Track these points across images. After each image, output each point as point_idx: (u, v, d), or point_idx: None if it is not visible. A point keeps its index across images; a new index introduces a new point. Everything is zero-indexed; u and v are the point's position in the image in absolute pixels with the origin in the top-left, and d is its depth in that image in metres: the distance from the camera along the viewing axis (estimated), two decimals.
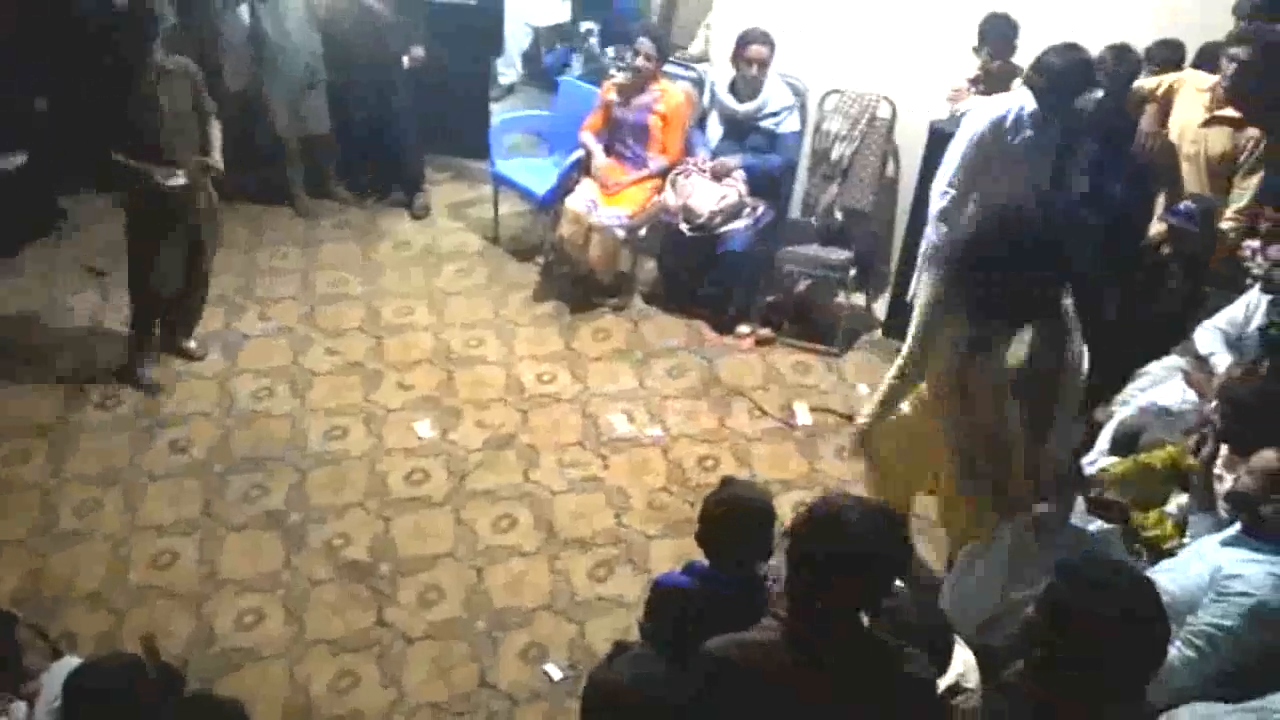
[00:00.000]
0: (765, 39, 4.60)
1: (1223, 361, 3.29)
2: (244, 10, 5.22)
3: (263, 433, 4.14)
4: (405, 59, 5.34)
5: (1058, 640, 1.82)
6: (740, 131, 4.79)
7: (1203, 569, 2.45)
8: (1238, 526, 2.49)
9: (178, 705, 2.38)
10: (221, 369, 4.47)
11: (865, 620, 1.94)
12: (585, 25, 6.79)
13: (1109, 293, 4.10)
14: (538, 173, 5.34)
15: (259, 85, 5.31)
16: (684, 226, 4.69)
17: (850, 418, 4.38)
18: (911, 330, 3.13)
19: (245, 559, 3.60)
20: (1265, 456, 2.43)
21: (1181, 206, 3.64)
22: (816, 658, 1.87)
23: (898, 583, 2.19)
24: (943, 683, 2.30)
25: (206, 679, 3.14)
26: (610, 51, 6.26)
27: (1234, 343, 3.36)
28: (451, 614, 3.45)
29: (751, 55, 4.60)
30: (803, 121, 4.88)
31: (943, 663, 2.34)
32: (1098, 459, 3.31)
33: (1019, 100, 3.72)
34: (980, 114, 3.79)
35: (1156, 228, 3.97)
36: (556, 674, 3.27)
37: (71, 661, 2.60)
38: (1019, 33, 4.24)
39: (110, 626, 3.32)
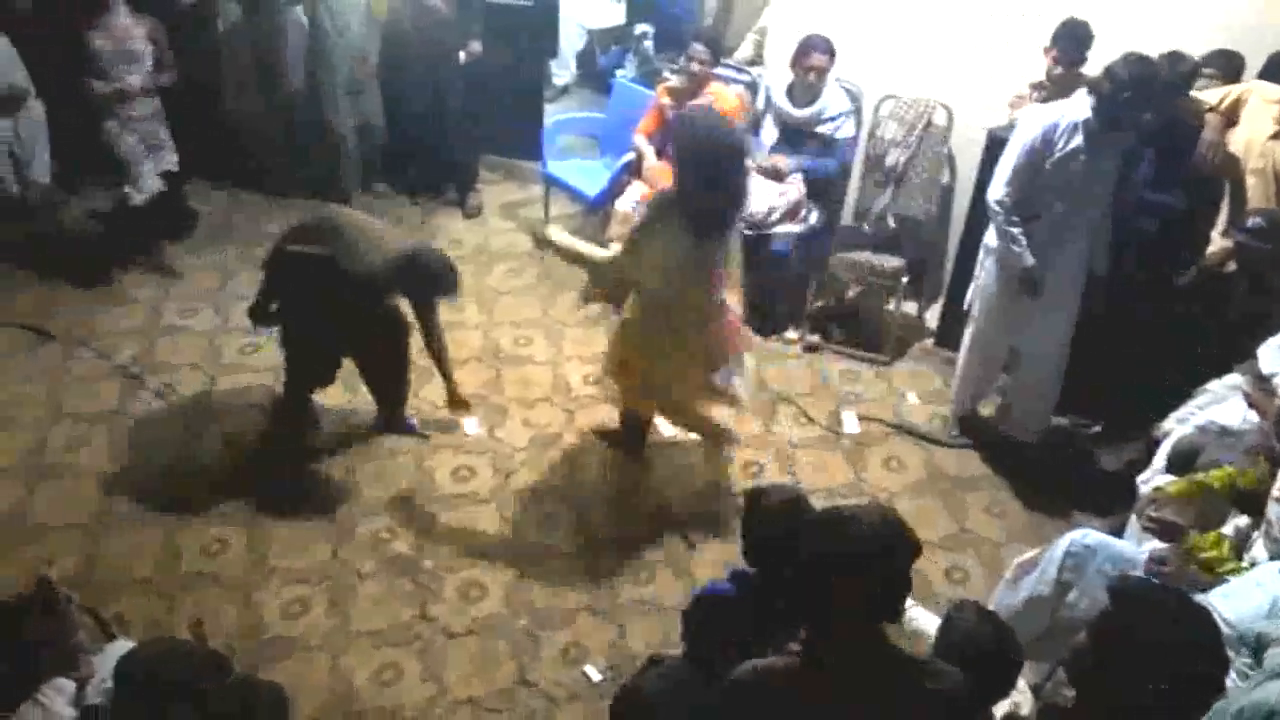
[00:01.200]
0: (827, 48, 4.56)
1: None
2: (301, 7, 5.30)
3: (311, 425, 4.19)
4: (462, 54, 5.39)
5: (1110, 668, 1.77)
6: (796, 137, 4.76)
7: (1263, 598, 2.38)
8: None
9: (224, 690, 2.42)
10: (273, 362, 4.53)
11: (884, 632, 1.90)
12: (640, 28, 6.79)
13: (1142, 306, 4.02)
14: (589, 174, 5.36)
15: (315, 81, 5.39)
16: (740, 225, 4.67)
17: (899, 427, 4.36)
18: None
19: (293, 550, 3.65)
20: None
21: (1250, 223, 3.54)
22: (836, 678, 1.84)
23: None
24: (998, 711, 2.26)
25: (252, 666, 3.19)
26: (663, 55, 6.26)
27: None
28: (493, 610, 3.47)
29: (813, 63, 4.57)
30: (858, 127, 4.84)
31: (1006, 683, 2.29)
32: (1153, 477, 3.23)
33: (1074, 108, 3.65)
34: (1032, 121, 3.72)
35: (1219, 242, 3.88)
36: (595, 675, 3.27)
37: (123, 644, 2.65)
38: (1092, 42, 4.15)
39: (161, 611, 3.39)
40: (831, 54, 4.57)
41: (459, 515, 3.82)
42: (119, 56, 4.69)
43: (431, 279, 3.57)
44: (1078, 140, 3.61)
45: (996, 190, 3.77)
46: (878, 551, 1.79)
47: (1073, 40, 4.15)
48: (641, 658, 3.15)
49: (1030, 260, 3.75)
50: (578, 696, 3.22)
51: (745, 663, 1.93)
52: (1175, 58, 3.82)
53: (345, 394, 4.27)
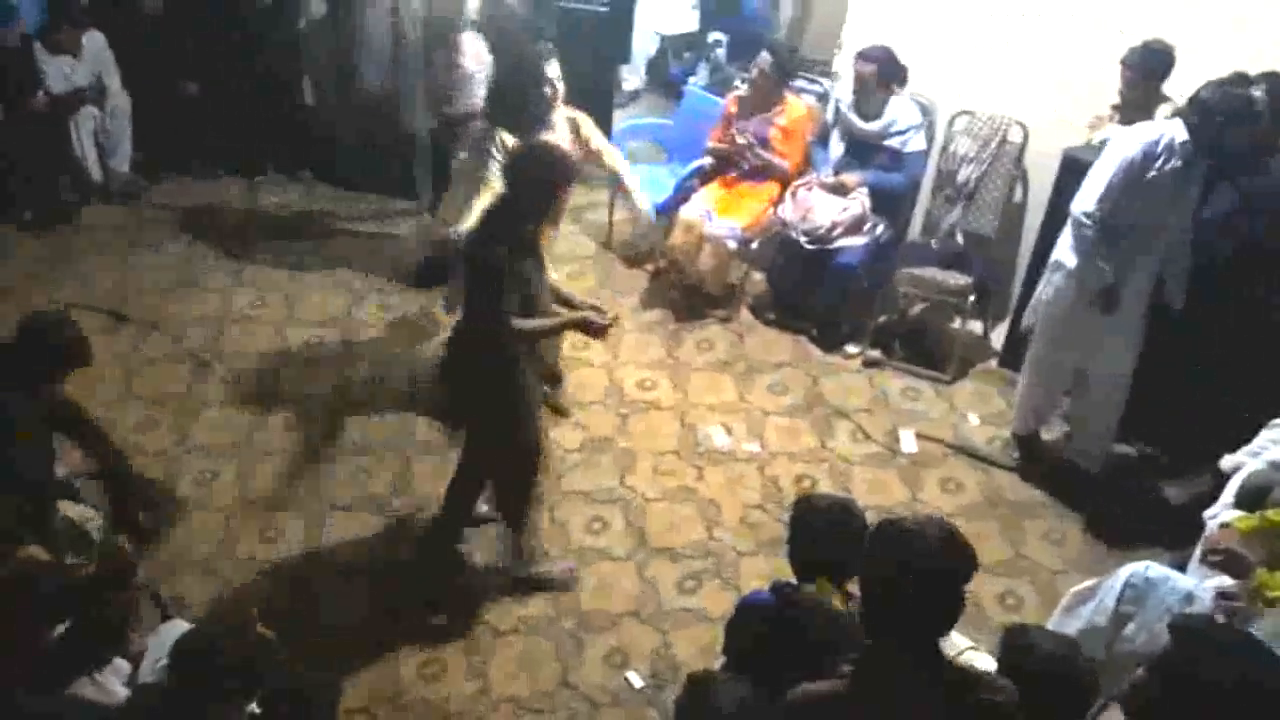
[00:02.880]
0: (875, 57, 4.51)
1: None
2: (385, 8, 5.39)
3: (372, 418, 4.26)
4: None
5: (1171, 707, 1.72)
6: (864, 150, 4.72)
7: None
8: None
9: (278, 674, 2.47)
10: (339, 354, 4.63)
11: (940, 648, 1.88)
12: (713, 35, 6.78)
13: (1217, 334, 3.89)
14: (655, 181, 5.36)
15: (393, 84, 5.48)
16: (802, 238, 4.64)
17: (958, 448, 4.29)
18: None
19: (347, 541, 3.71)
20: None
21: None
22: (888, 699, 1.82)
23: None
24: None
25: (302, 654, 3.25)
26: (736, 64, 6.24)
27: None
28: (539, 611, 3.49)
29: (858, 71, 4.55)
30: (929, 141, 4.77)
31: (1081, 708, 2.23)
32: (1221, 511, 3.12)
33: (1172, 129, 3.54)
34: (1132, 138, 3.61)
35: None
36: (638, 682, 3.27)
37: (179, 624, 2.72)
38: (1168, 64, 4.04)
39: (218, 594, 3.47)
40: (877, 63, 4.51)
41: None
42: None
43: None
44: (1175, 162, 3.50)
45: (1087, 203, 3.64)
46: (941, 567, 1.78)
47: (1148, 59, 4.05)
48: (686, 667, 3.16)
49: (1112, 278, 3.66)
50: (619, 702, 3.22)
51: (797, 688, 1.92)
52: (1275, 78, 3.70)
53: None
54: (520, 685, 3.25)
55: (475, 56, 4.70)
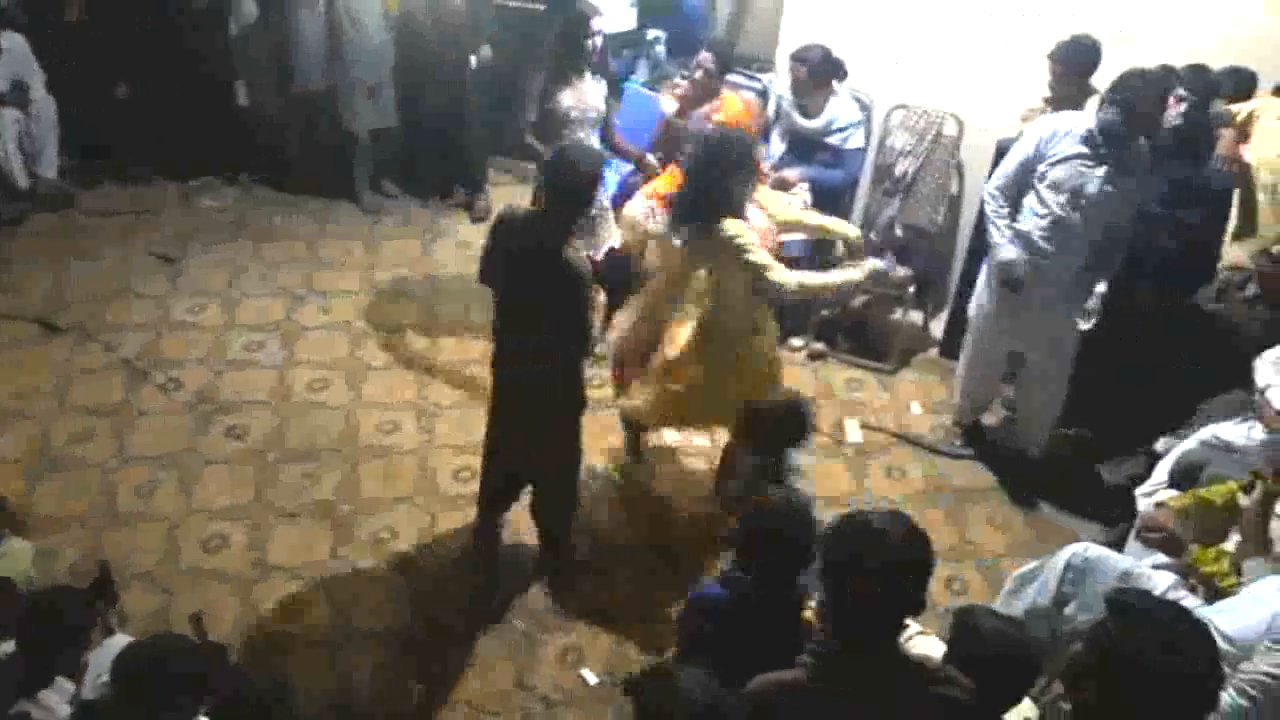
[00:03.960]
0: (802, 58, 4.55)
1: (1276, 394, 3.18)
2: (319, 6, 5.32)
3: (317, 424, 4.21)
4: (473, 58, 5.42)
5: (1105, 679, 1.76)
6: (805, 147, 4.76)
7: (1261, 613, 2.37)
8: None
9: (225, 681, 2.43)
10: (281, 359, 4.56)
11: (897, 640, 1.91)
12: (652, 33, 6.79)
13: (1152, 322, 4.01)
14: None
15: (331, 82, 5.42)
16: None
17: (902, 436, 4.36)
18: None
19: (293, 547, 3.66)
20: None
21: (1274, 250, 3.55)
22: (850, 688, 1.84)
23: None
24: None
25: (252, 661, 3.20)
26: (675, 60, 6.25)
27: None
28: (494, 615, 3.46)
29: (790, 73, 4.60)
30: (868, 137, 4.83)
31: (1025, 685, 2.28)
32: (1155, 491, 3.22)
33: (1079, 118, 3.65)
34: (1036, 126, 3.76)
35: (1232, 254, 3.87)
36: (592, 679, 3.27)
37: (121, 639, 2.66)
38: (1094, 58, 4.14)
39: (161, 606, 3.40)
40: (808, 64, 4.54)
41: (461, 516, 3.82)
42: None
43: None
44: (1076, 148, 3.61)
45: (994, 181, 3.85)
46: (905, 563, 1.80)
47: (1074, 54, 4.15)
48: (639, 663, 3.17)
49: (1010, 254, 3.75)
50: (575, 701, 3.22)
51: (758, 678, 1.93)
52: (1198, 70, 3.82)
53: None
54: (474, 688, 3.23)
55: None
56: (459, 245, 5.49)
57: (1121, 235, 3.74)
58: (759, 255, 3.24)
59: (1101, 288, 3.79)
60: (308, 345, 4.66)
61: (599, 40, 4.15)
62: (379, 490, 3.91)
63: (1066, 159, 3.61)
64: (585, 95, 4.20)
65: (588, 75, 4.21)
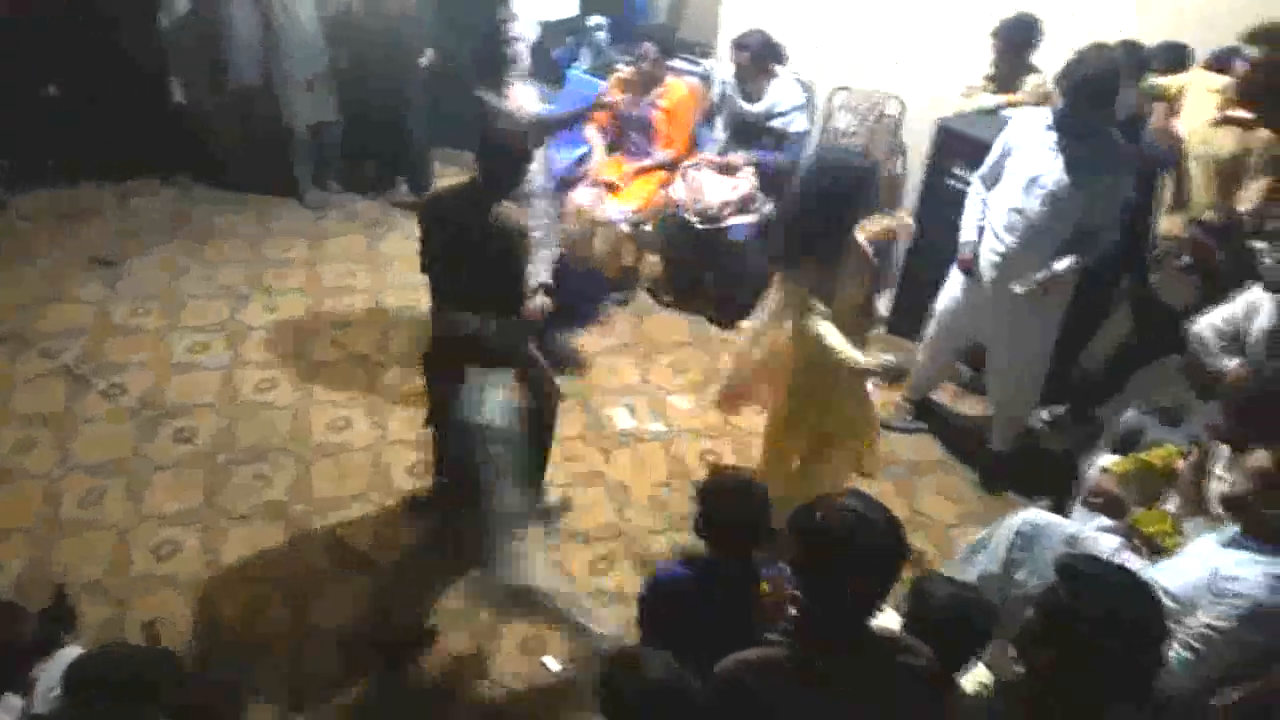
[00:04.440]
0: (744, 44, 4.57)
1: (1216, 358, 3.27)
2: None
3: (266, 424, 4.15)
4: (422, 59, 5.35)
5: (1055, 641, 1.81)
6: (749, 132, 4.79)
7: (1201, 570, 2.44)
8: (1237, 528, 2.48)
9: (178, 686, 2.39)
10: (227, 360, 4.49)
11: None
12: (593, 20, 6.77)
13: (1117, 291, 4.10)
14: None
15: (267, 76, 5.33)
16: (694, 219, 4.70)
17: None
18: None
19: (247, 550, 3.61)
20: (1258, 457, 2.42)
21: (1204, 219, 3.62)
22: (823, 665, 1.87)
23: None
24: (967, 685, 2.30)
25: (208, 665, 3.16)
26: (617, 47, 6.25)
27: (1230, 340, 3.34)
28: (453, 605, 3.46)
29: (733, 59, 4.63)
30: (811, 120, 4.87)
31: (979, 646, 2.32)
32: (1098, 457, 3.30)
33: (1047, 111, 3.68)
34: (1016, 117, 3.80)
35: (1165, 224, 3.96)
36: (555, 666, 3.28)
37: (72, 651, 2.61)
38: (1034, 35, 4.20)
39: (113, 616, 3.34)
40: (754, 50, 4.55)
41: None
42: None
43: None
44: (1038, 138, 3.58)
45: (980, 170, 3.84)
46: (887, 548, 1.81)
47: (1015, 32, 4.21)
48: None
49: (968, 236, 3.78)
50: (537, 686, 3.22)
51: (728, 657, 1.95)
52: (1131, 46, 3.89)
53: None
54: (438, 680, 3.22)
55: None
56: (406, 238, 5.42)
57: (1100, 234, 3.56)
58: (848, 354, 3.05)
59: (1060, 265, 3.57)
60: (254, 345, 4.60)
61: (521, 48, 3.98)
62: (332, 489, 3.87)
63: (1028, 150, 3.62)
64: (519, 103, 4.03)
65: (516, 83, 4.03)
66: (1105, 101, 3.47)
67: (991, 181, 3.77)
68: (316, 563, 3.57)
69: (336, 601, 3.44)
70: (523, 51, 3.97)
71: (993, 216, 3.74)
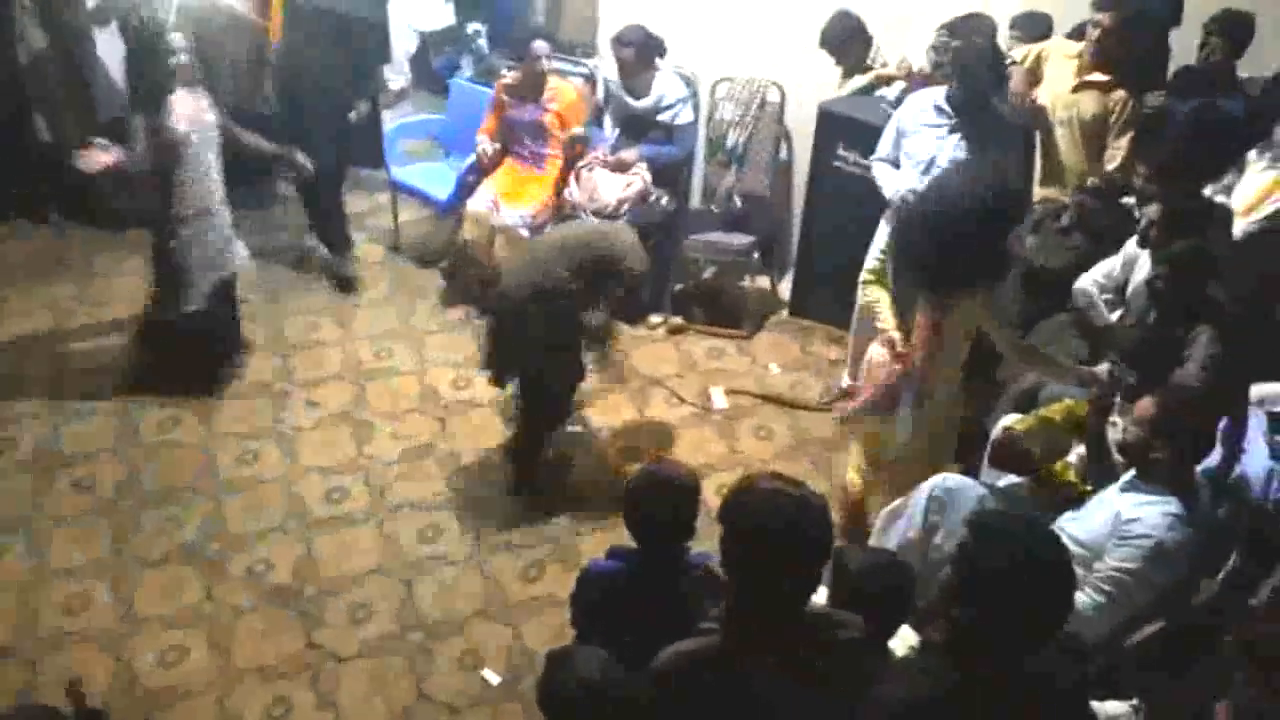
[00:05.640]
0: (626, 40, 4.60)
1: (1100, 311, 3.42)
2: (115, 28, 5.02)
3: (171, 464, 4.01)
4: (352, 114, 5.01)
5: (972, 598, 1.87)
6: (638, 127, 4.82)
7: (1106, 515, 2.57)
8: (1133, 472, 2.62)
9: None
10: (122, 400, 4.31)
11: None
12: (472, 26, 6.71)
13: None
14: (436, 177, 5.29)
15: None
16: (591, 218, 4.71)
17: (764, 397, 4.49)
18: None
19: (163, 595, 3.49)
20: (1144, 404, 2.56)
21: (1089, 183, 3.78)
22: (763, 650, 1.89)
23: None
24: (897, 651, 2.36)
25: None
26: (498, 52, 6.20)
27: (1113, 292, 3.51)
28: (383, 629, 3.41)
29: (616, 56, 4.66)
30: (697, 111, 4.93)
31: (904, 612, 2.38)
32: (1001, 417, 3.43)
33: (931, 92, 3.79)
34: (902, 106, 3.91)
35: (1040, 191, 4.13)
36: (494, 679, 3.26)
37: None
38: (853, 35, 4.40)
39: (25, 680, 3.19)
40: (631, 46, 4.59)
41: (337, 538, 3.73)
42: None
43: None
44: (929, 118, 3.73)
45: (876, 153, 3.94)
46: (822, 534, 1.84)
47: (836, 35, 4.40)
48: (539, 654, 3.17)
49: (891, 190, 3.83)
50: (480, 702, 3.21)
51: (666, 650, 1.96)
52: (975, 18, 4.03)
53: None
54: (375, 707, 3.18)
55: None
56: (301, 260, 5.29)
57: None
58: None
59: None
60: (151, 384, 4.42)
61: (183, 58, 3.82)
62: (246, 524, 3.77)
63: (921, 130, 3.73)
64: (193, 112, 3.89)
65: (179, 91, 3.85)
66: (999, 67, 3.60)
67: (892, 165, 3.87)
68: (237, 600, 3.47)
69: (262, 638, 3.35)
70: (184, 61, 3.83)
71: (894, 200, 3.84)
